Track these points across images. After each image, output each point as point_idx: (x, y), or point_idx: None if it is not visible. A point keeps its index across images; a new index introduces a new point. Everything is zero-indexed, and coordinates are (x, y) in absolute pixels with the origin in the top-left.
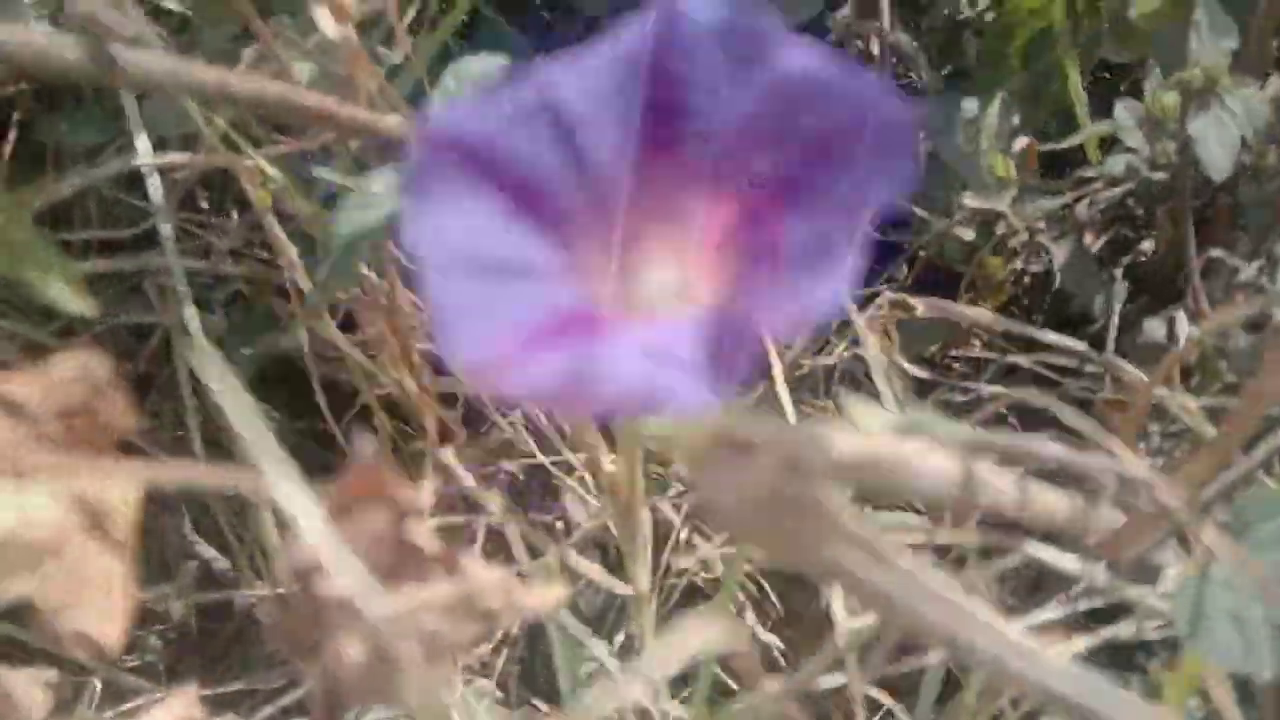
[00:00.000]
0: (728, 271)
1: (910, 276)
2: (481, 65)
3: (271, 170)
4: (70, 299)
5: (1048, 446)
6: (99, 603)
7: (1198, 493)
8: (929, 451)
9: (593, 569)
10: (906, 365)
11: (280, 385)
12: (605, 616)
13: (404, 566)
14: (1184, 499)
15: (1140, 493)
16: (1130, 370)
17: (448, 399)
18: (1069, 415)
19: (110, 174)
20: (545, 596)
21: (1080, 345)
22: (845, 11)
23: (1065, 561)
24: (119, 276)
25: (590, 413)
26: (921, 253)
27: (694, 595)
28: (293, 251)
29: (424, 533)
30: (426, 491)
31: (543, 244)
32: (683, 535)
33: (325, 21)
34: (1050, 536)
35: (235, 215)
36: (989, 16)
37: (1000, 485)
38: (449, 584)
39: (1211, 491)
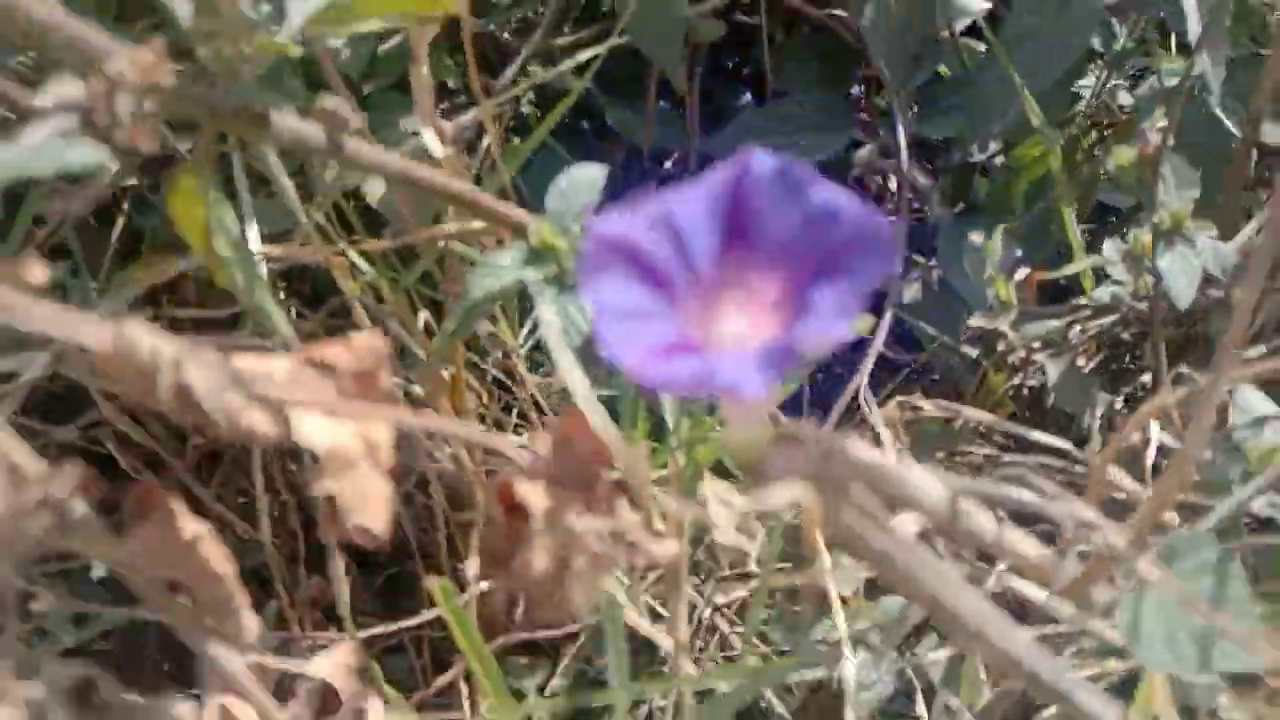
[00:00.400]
0: (775, 323)
1: (918, 391)
2: (588, 174)
3: (364, 265)
4: (274, 318)
5: (1021, 493)
6: (373, 509)
7: (1139, 536)
8: (928, 477)
9: (641, 622)
10: (914, 461)
11: None
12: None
13: (583, 495)
14: (1128, 540)
15: (1094, 534)
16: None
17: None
18: (1047, 486)
19: None
20: (663, 549)
21: (1065, 444)
22: (867, 150)
23: (1035, 592)
24: None
25: (697, 395)
26: (935, 378)
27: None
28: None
29: (604, 472)
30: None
31: (663, 303)
32: (705, 615)
33: (432, 141)
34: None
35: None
36: (998, 160)
37: (981, 520)
38: (609, 517)
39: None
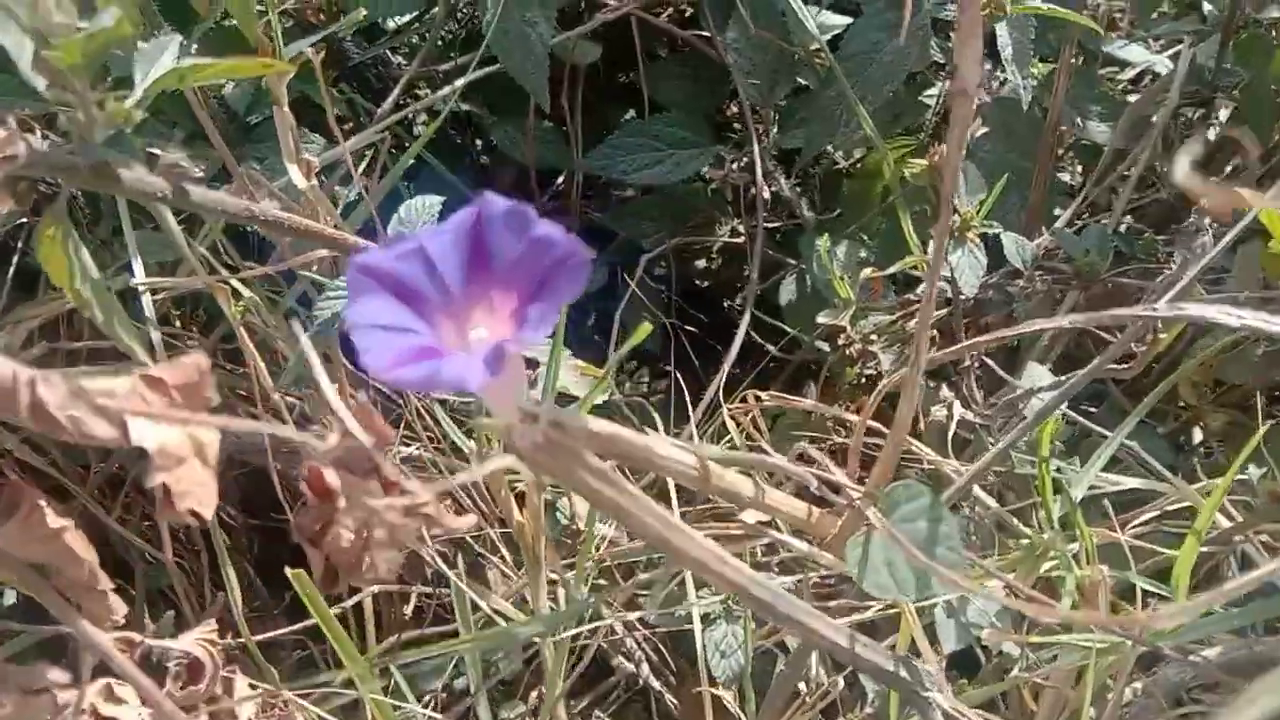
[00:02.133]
0: (511, 329)
1: (783, 380)
2: (426, 203)
3: (244, 290)
4: (132, 346)
5: (772, 460)
6: (200, 496)
7: (873, 491)
8: (674, 447)
9: (506, 605)
10: (770, 450)
11: (234, 484)
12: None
13: (376, 476)
14: (862, 494)
15: (839, 492)
16: (914, 443)
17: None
18: (814, 455)
19: None
20: (461, 521)
21: (873, 424)
22: (725, 166)
23: (798, 544)
24: None
25: (433, 390)
26: (816, 367)
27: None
28: (258, 357)
29: (388, 459)
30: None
31: (416, 319)
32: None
33: (296, 176)
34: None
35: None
36: (859, 165)
37: (737, 481)
38: (404, 497)
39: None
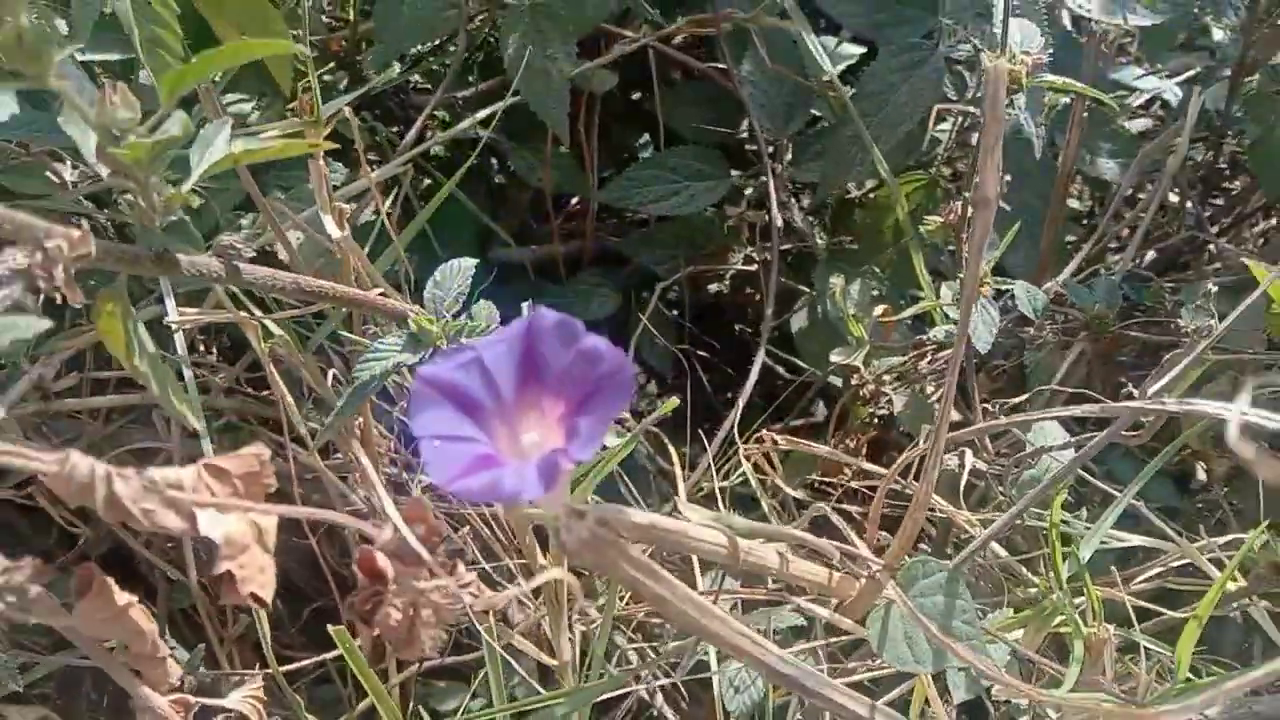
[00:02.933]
0: (561, 435)
1: (792, 419)
2: (459, 266)
3: (274, 328)
4: (187, 417)
5: (794, 533)
6: (261, 580)
7: (892, 563)
8: (705, 529)
9: (528, 645)
10: (784, 487)
11: None
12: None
13: (423, 562)
14: (882, 567)
15: (858, 563)
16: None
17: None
18: (838, 523)
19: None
20: (499, 598)
21: (884, 471)
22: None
23: (820, 611)
24: (129, 407)
25: (493, 501)
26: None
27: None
28: (287, 392)
29: (437, 546)
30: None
31: (474, 427)
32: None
33: (330, 226)
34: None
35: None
36: (872, 196)
37: (765, 555)
38: (449, 578)
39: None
